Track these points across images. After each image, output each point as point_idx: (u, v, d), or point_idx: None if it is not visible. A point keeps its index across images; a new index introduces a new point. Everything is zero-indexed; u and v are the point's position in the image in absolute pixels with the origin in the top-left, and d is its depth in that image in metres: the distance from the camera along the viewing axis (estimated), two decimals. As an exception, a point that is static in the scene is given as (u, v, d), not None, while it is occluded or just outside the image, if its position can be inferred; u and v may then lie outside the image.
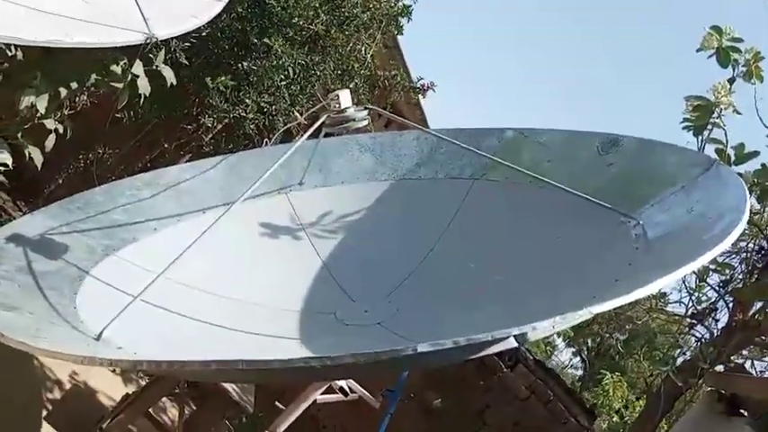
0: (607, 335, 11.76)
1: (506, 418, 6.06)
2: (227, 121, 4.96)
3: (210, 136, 5.15)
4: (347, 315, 3.01)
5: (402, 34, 6.36)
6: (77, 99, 4.75)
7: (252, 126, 4.82)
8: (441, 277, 3.20)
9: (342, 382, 3.73)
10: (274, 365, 1.87)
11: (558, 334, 14.31)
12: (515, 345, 2.49)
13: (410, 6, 6.05)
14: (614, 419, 7.32)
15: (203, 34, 4.86)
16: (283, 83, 4.83)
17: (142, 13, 3.94)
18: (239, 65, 4.94)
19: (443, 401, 5.99)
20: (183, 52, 4.64)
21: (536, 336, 2.51)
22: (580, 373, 14.92)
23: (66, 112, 4.54)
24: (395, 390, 3.97)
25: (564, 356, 16.18)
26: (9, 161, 4.00)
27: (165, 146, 5.34)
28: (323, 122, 3.41)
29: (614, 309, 2.86)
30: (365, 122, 3.51)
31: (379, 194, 3.78)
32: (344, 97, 3.42)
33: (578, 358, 15.36)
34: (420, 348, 1.94)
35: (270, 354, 2.54)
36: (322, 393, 3.76)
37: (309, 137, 3.36)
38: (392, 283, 3.20)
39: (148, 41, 4.22)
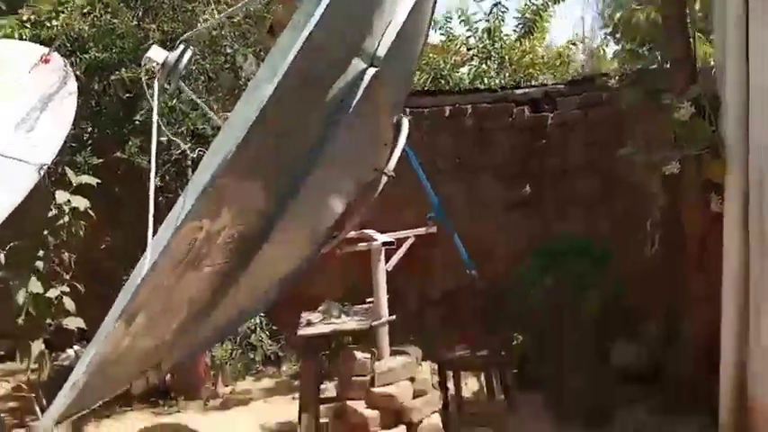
0: None
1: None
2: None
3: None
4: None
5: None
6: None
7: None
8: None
9: (382, 237, 3.74)
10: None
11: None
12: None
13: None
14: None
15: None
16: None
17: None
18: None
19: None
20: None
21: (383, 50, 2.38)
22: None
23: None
24: (434, 211, 3.94)
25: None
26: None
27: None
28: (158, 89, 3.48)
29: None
30: (189, 54, 3.52)
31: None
32: (155, 53, 3.45)
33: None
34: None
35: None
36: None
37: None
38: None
39: (41, 170, 4.54)
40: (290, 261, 3.14)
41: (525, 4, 7.93)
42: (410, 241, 3.90)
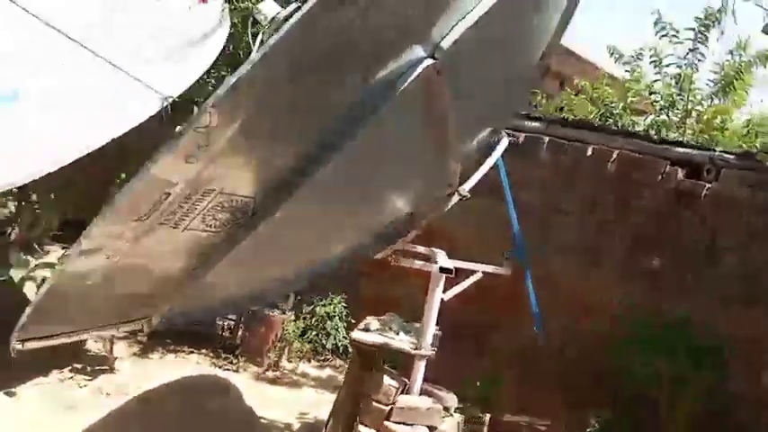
0: None
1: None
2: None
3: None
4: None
5: None
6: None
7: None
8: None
9: (444, 262, 3.34)
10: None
11: None
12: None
13: None
14: None
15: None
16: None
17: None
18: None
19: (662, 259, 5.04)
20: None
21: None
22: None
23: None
24: (517, 247, 3.47)
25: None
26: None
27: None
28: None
29: None
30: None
31: None
32: (267, 6, 3.33)
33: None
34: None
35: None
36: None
37: None
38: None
39: (165, 102, 4.66)
40: (323, 248, 2.89)
41: (726, 60, 6.92)
42: (477, 276, 3.47)
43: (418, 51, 2.04)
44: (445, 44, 2.04)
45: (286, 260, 2.76)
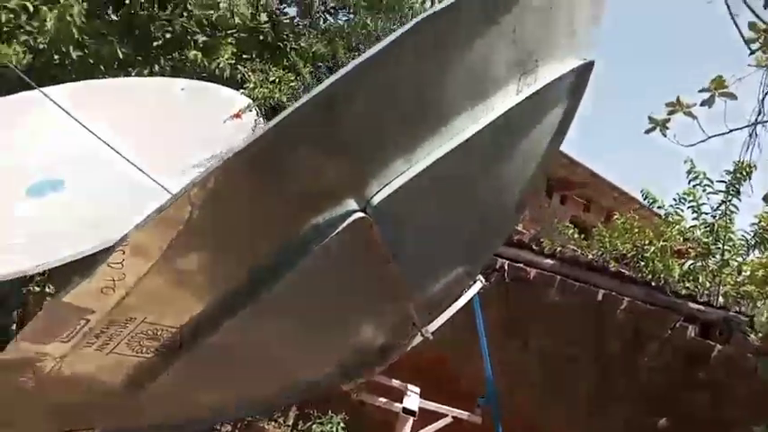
0: None
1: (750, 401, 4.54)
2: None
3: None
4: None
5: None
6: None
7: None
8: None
9: (410, 402, 3.26)
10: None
11: None
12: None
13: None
14: None
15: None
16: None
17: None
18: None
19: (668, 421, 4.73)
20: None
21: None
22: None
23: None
24: (487, 395, 3.37)
25: None
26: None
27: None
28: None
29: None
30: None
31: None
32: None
33: None
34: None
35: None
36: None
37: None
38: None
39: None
40: (270, 379, 2.89)
41: (764, 212, 6.76)
42: (446, 421, 3.37)
43: (350, 204, 2.12)
44: (376, 200, 2.12)
45: (228, 387, 2.77)
